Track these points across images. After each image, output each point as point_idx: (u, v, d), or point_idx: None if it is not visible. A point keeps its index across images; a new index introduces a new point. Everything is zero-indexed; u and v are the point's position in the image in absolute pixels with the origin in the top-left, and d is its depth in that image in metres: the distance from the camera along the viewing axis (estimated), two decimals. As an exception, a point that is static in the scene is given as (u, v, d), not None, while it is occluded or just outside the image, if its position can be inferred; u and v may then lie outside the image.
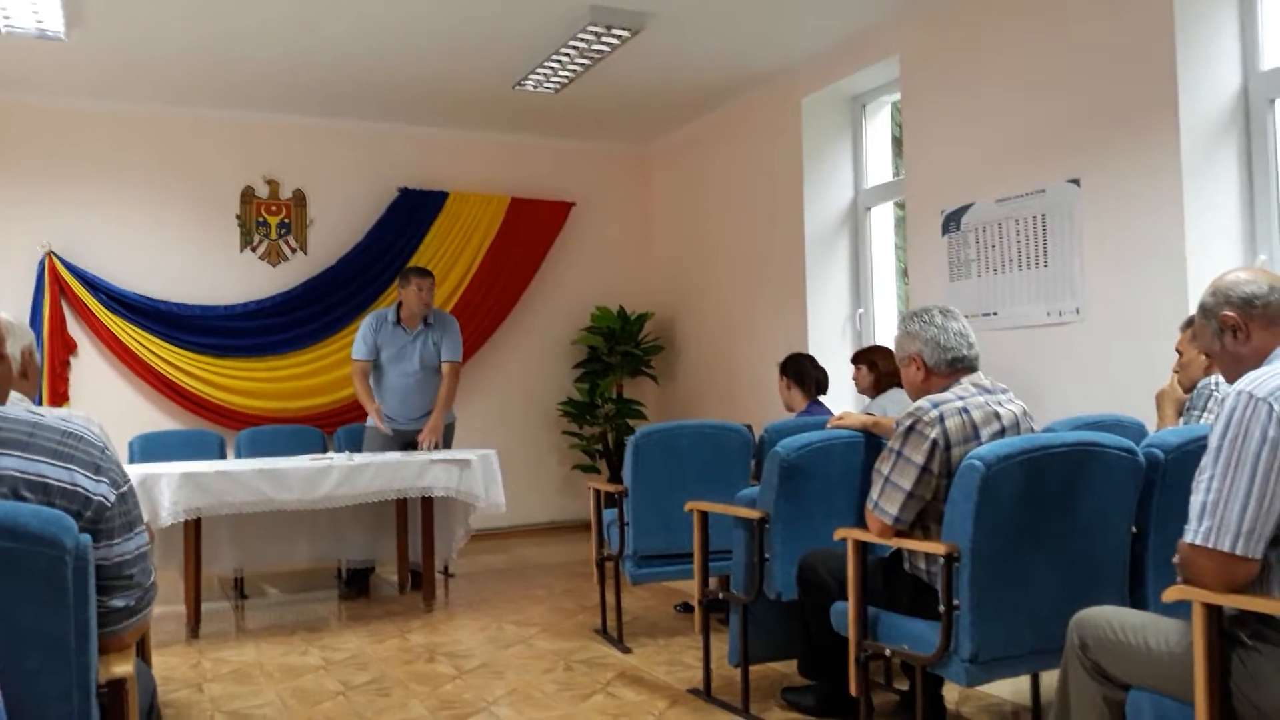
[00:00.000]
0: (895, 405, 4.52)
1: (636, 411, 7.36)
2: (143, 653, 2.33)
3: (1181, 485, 2.05)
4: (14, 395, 2.36)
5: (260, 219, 6.71)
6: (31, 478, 1.58)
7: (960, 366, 2.75)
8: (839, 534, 2.72)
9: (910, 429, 2.61)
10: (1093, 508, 2.50)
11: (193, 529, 4.48)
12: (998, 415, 2.66)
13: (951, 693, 3.33)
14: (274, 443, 5.57)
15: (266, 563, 5.34)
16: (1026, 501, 2.42)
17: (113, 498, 1.67)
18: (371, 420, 5.46)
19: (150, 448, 5.32)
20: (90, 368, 6.23)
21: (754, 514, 3.13)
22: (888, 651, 2.62)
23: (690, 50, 5.64)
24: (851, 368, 4.91)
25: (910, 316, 2.83)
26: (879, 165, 6.09)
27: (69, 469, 1.62)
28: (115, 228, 6.31)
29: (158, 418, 6.29)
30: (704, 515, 3.44)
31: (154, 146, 6.42)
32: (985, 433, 2.61)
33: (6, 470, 1.57)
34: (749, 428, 4.21)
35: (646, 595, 5.09)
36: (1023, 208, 4.62)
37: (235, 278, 6.59)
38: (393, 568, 5.43)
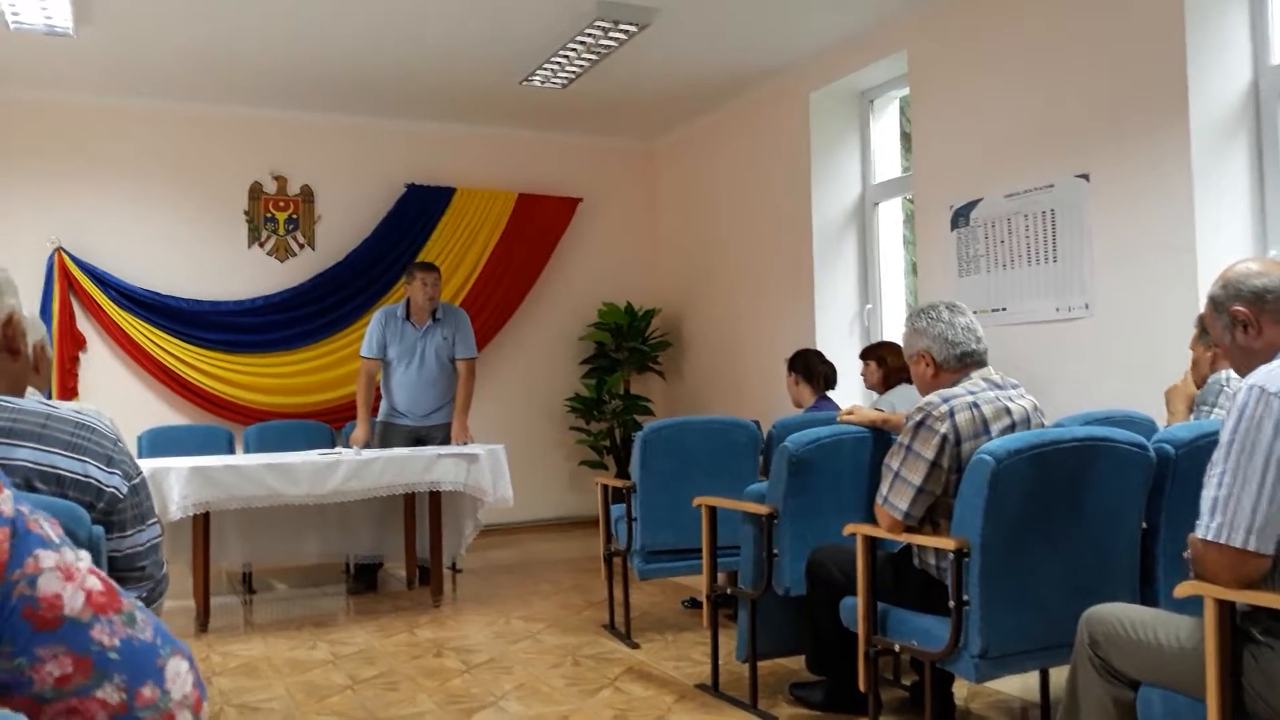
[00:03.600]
0: (904, 401, 4.51)
1: (644, 407, 7.36)
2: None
3: (1192, 480, 2.05)
4: (28, 389, 2.37)
5: (268, 215, 6.72)
6: (45, 469, 1.59)
7: (970, 361, 2.74)
8: (848, 529, 2.72)
9: (920, 424, 2.60)
10: (1103, 503, 2.50)
11: (201, 523, 4.49)
12: (1008, 410, 2.65)
13: (961, 689, 3.32)
14: (282, 438, 5.59)
15: (274, 557, 5.35)
16: (1037, 496, 2.42)
17: (125, 490, 1.68)
18: (380, 415, 5.47)
19: (159, 443, 5.33)
20: (99, 363, 6.25)
21: (762, 509, 3.13)
22: (897, 647, 2.62)
23: (697, 45, 5.63)
24: (860, 363, 4.90)
25: (917, 313, 2.82)
26: (887, 161, 6.08)
27: (82, 460, 1.62)
28: (124, 223, 6.33)
29: (166, 413, 6.31)
30: (712, 510, 3.44)
31: (162, 142, 6.43)
32: (995, 428, 2.60)
33: (19, 461, 1.57)
34: (757, 423, 4.21)
35: (654, 591, 5.09)
36: (1032, 203, 4.60)
37: (243, 273, 6.61)
38: (400, 563, 5.44)
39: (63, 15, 4.86)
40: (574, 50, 5.48)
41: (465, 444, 5.23)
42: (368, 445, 5.29)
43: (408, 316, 5.43)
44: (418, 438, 5.38)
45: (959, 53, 4.98)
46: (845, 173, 6.09)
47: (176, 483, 4.27)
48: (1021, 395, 2.74)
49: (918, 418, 2.62)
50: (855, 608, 2.68)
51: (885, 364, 4.71)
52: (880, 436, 3.18)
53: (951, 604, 2.40)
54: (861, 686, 2.69)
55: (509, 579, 5.60)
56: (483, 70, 5.93)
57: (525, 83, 6.05)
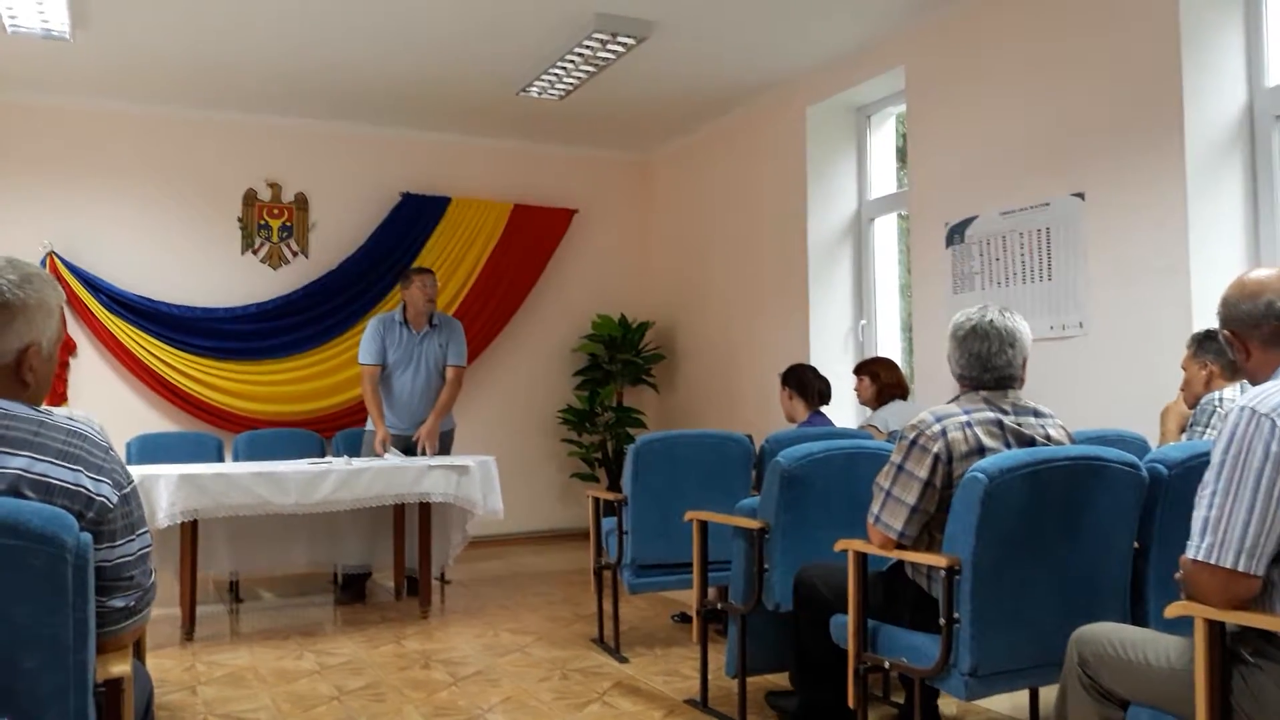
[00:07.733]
0: (897, 417, 4.52)
1: (636, 420, 7.35)
2: (138, 654, 2.32)
3: (1184, 501, 2.04)
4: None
5: (262, 222, 6.71)
6: (35, 477, 1.57)
7: (972, 387, 2.70)
8: (839, 545, 2.70)
9: (913, 443, 2.58)
10: (1095, 522, 2.49)
11: (189, 531, 4.46)
12: (1004, 431, 2.60)
13: (950, 707, 3.31)
14: (272, 446, 5.56)
15: (262, 566, 5.32)
16: (1029, 515, 2.40)
17: (115, 499, 1.66)
18: (370, 426, 5.45)
19: (148, 449, 5.30)
20: (89, 369, 6.22)
21: (754, 524, 3.11)
22: (886, 664, 2.60)
23: (695, 59, 5.64)
24: (854, 379, 4.90)
25: (962, 316, 2.72)
26: (883, 176, 6.09)
27: (74, 469, 1.61)
28: (117, 229, 6.31)
29: (156, 419, 6.28)
30: (703, 525, 3.42)
31: (157, 148, 6.42)
32: (989, 446, 2.58)
33: (10, 469, 1.56)
34: (750, 437, 4.20)
35: (644, 605, 5.06)
36: (1027, 221, 4.61)
37: (236, 280, 6.59)
38: (389, 573, 5.41)
39: (59, 19, 4.86)
40: (572, 62, 5.49)
41: (431, 449, 5.23)
42: (366, 452, 5.27)
43: (405, 323, 5.42)
44: (407, 446, 5.36)
45: (956, 70, 5.00)
46: (841, 188, 6.10)
47: (165, 490, 4.24)
48: (1042, 426, 2.65)
49: (911, 436, 2.60)
50: (845, 624, 2.66)
51: (879, 380, 4.71)
52: (873, 452, 3.17)
53: (942, 621, 2.39)
54: (850, 703, 2.68)
55: (498, 591, 5.57)
56: (480, 80, 5.94)
57: (523, 93, 6.06)
